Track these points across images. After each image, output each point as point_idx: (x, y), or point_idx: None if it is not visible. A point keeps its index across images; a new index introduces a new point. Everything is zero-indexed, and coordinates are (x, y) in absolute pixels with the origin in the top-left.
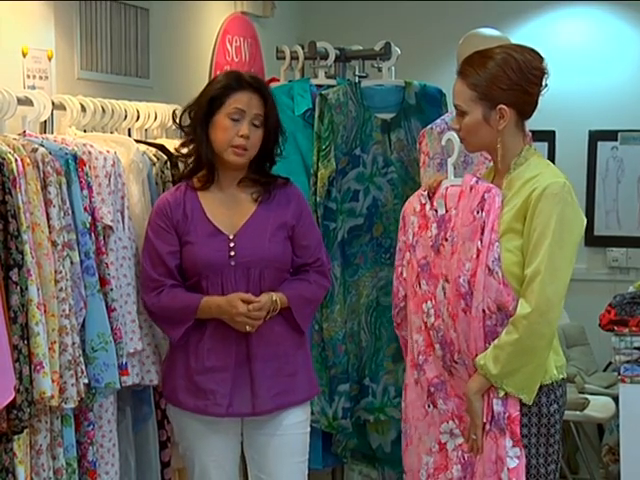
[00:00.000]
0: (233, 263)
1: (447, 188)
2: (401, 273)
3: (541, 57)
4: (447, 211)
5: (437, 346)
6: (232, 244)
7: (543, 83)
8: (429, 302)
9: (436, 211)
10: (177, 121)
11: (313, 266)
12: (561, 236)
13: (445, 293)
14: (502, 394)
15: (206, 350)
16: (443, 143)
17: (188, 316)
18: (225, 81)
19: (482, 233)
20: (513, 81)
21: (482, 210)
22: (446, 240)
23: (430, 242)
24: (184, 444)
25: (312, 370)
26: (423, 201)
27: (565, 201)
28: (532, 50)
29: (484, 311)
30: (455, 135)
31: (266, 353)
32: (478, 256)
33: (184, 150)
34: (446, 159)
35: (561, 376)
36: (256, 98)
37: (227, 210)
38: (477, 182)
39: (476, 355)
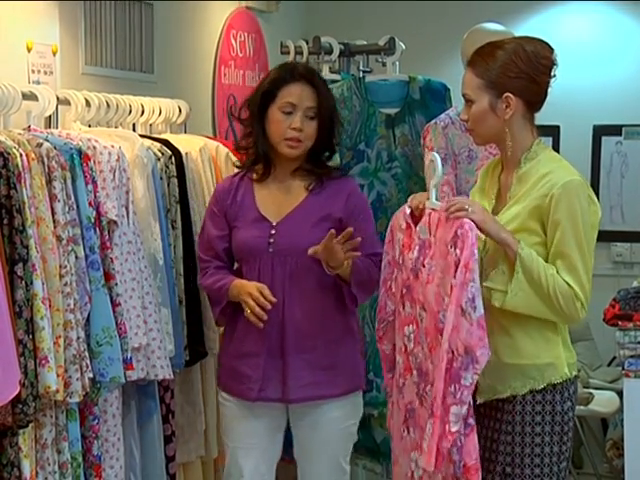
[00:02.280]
0: (271, 250)
1: (430, 213)
2: (390, 287)
3: (551, 48)
4: (430, 235)
5: (414, 372)
6: (273, 231)
7: (551, 73)
8: (411, 326)
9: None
10: (236, 115)
11: (372, 258)
12: (586, 238)
13: (422, 321)
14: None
15: (242, 335)
16: (426, 163)
17: (222, 297)
18: (277, 74)
19: (456, 270)
20: (521, 69)
21: (456, 246)
22: (423, 266)
23: (410, 264)
24: (223, 427)
25: (358, 364)
26: (408, 221)
27: (582, 200)
28: (542, 41)
29: (453, 352)
30: (437, 155)
31: (300, 346)
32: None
33: (243, 143)
34: (450, 154)
35: (574, 373)
36: (308, 90)
37: (277, 199)
38: None
39: (444, 397)
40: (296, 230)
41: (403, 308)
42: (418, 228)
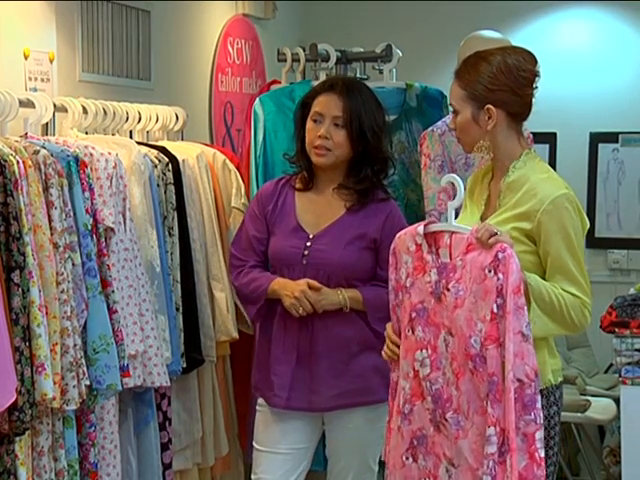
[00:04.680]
0: (305, 262)
1: (451, 235)
2: (396, 312)
3: (534, 59)
4: (451, 259)
5: (429, 399)
6: (309, 243)
7: (534, 85)
8: (424, 351)
9: (436, 255)
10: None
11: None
12: (579, 248)
13: (447, 346)
14: None
15: (273, 341)
16: (443, 184)
17: (259, 296)
18: (316, 86)
19: (498, 296)
20: (501, 82)
21: (496, 271)
22: (448, 290)
23: (429, 288)
24: (254, 432)
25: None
26: (419, 241)
27: (572, 214)
28: (527, 52)
29: (520, 380)
30: (456, 177)
31: (329, 355)
32: (492, 319)
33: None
34: (447, 161)
35: (559, 379)
36: (336, 100)
37: (316, 211)
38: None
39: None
40: (331, 245)
41: (412, 332)
42: (440, 252)
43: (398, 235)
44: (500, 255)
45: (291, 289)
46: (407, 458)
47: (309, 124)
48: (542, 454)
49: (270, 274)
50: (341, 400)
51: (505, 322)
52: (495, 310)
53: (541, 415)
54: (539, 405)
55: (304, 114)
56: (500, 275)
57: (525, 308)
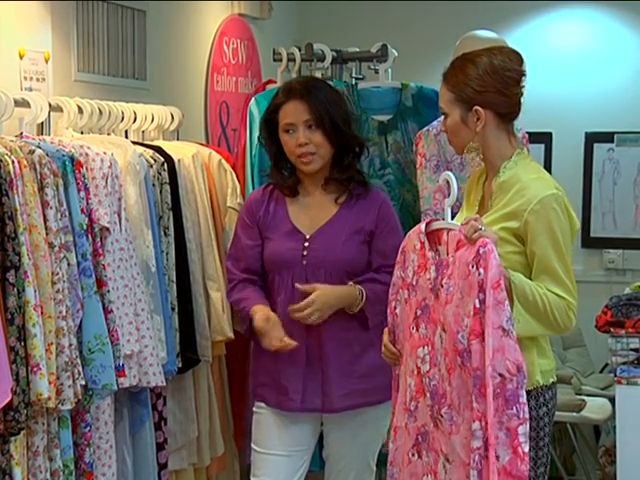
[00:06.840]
0: (305, 262)
1: (448, 232)
2: (395, 307)
3: (520, 59)
4: (448, 254)
5: (428, 395)
6: (307, 244)
7: (521, 84)
8: (425, 348)
9: (436, 252)
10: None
11: (386, 268)
12: (566, 249)
13: (442, 342)
14: None
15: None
16: (441, 182)
17: (246, 319)
18: (273, 101)
19: (480, 291)
20: (487, 83)
21: (478, 266)
22: (442, 286)
23: (429, 285)
24: (255, 435)
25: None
26: (422, 239)
27: (559, 214)
28: (513, 52)
29: (501, 375)
30: (451, 175)
31: (338, 354)
32: (475, 314)
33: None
34: (443, 161)
35: (551, 380)
36: (300, 104)
37: (309, 212)
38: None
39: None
40: (329, 243)
41: (417, 330)
42: (440, 248)
43: (408, 234)
44: (481, 250)
45: (269, 342)
46: (413, 455)
47: (284, 137)
48: (526, 449)
49: (256, 297)
50: (349, 401)
51: (486, 316)
52: (477, 305)
53: (525, 410)
54: (523, 400)
55: (271, 130)
56: (481, 270)
57: (506, 303)
